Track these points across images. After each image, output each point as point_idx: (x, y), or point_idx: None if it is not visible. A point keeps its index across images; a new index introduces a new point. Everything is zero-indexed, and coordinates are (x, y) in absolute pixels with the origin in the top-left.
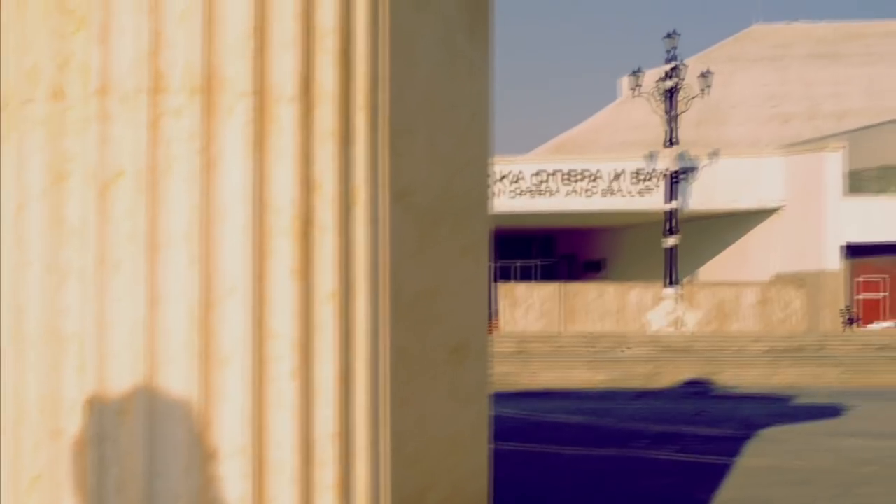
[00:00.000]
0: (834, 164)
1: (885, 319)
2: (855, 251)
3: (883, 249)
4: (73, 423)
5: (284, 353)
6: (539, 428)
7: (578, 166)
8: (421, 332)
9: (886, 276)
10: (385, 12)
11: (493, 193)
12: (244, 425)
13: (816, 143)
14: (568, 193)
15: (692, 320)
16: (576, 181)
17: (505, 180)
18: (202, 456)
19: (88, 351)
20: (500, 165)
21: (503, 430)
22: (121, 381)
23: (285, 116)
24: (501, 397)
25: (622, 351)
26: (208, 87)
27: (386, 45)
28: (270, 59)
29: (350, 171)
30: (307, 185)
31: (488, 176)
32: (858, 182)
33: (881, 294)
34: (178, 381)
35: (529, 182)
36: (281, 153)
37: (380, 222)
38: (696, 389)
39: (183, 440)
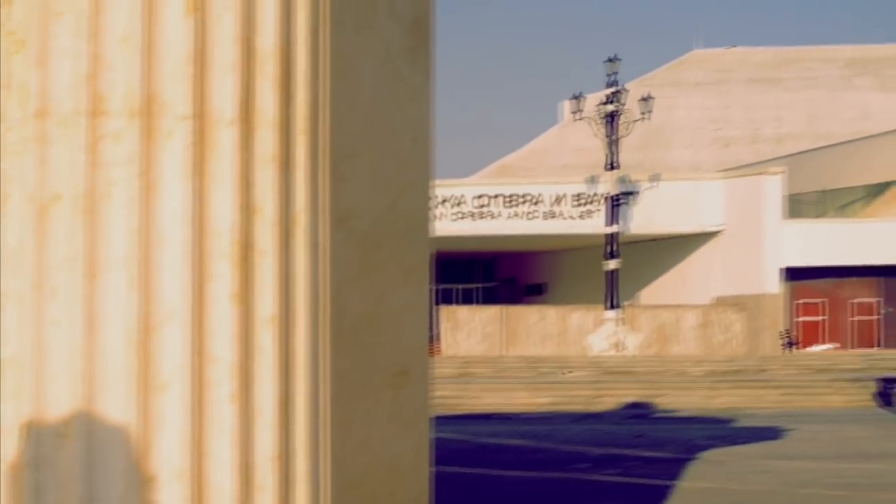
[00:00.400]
0: (774, 188)
1: (824, 342)
2: (794, 274)
3: (822, 273)
4: (10, 447)
5: (224, 378)
6: (481, 451)
7: (520, 190)
8: (362, 355)
9: (825, 299)
10: (326, 37)
11: (435, 217)
12: (183, 450)
13: (757, 167)
14: (510, 216)
15: (633, 343)
16: (517, 204)
17: (447, 204)
18: (141, 481)
19: (26, 375)
20: (442, 189)
21: (445, 453)
22: (59, 405)
23: (225, 140)
24: (443, 420)
25: (564, 374)
26: (148, 111)
27: (327, 70)
28: (210, 83)
29: (290, 195)
30: (247, 210)
31: (430, 199)
32: (798, 206)
33: (820, 317)
34: (116, 406)
35: (471, 205)
36: (221, 177)
37: (320, 246)
38: (638, 412)
39: (121, 465)
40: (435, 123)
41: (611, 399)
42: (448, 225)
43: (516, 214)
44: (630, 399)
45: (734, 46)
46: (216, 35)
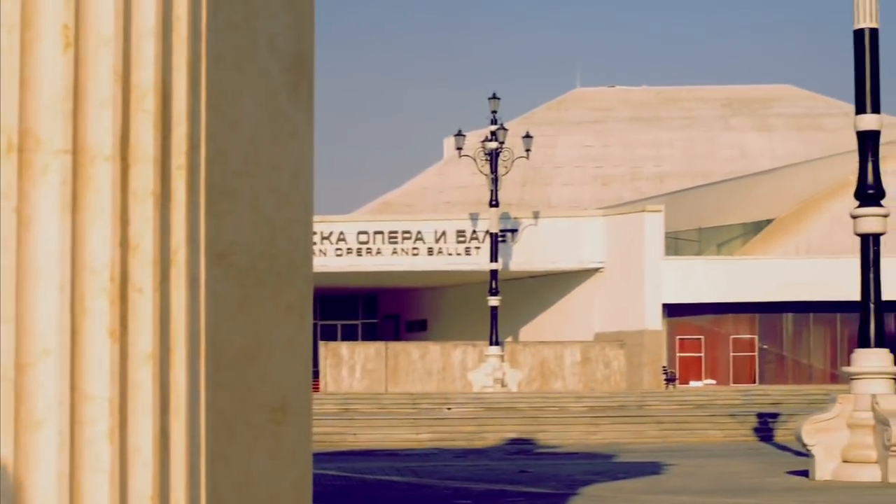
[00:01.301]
0: (653, 226)
1: (703, 378)
2: (674, 311)
3: (701, 309)
4: None
5: (100, 415)
6: (364, 488)
7: (402, 226)
8: (242, 392)
9: (704, 335)
10: (205, 72)
11: (317, 253)
12: (58, 489)
13: (636, 204)
14: (392, 253)
15: (515, 379)
16: (399, 241)
17: (329, 240)
18: None
19: None
20: (324, 225)
21: (327, 490)
22: None
23: (102, 176)
24: (325, 457)
25: (446, 410)
26: (23, 146)
27: (206, 105)
28: (87, 118)
29: (168, 231)
30: (124, 246)
31: (311, 235)
32: (677, 243)
33: (699, 353)
34: None
35: (353, 242)
36: (97, 213)
37: (199, 283)
38: (520, 448)
39: None
40: (316, 160)
41: (493, 435)
42: (330, 261)
43: (399, 251)
44: (512, 435)
45: (614, 86)
46: (92, 70)
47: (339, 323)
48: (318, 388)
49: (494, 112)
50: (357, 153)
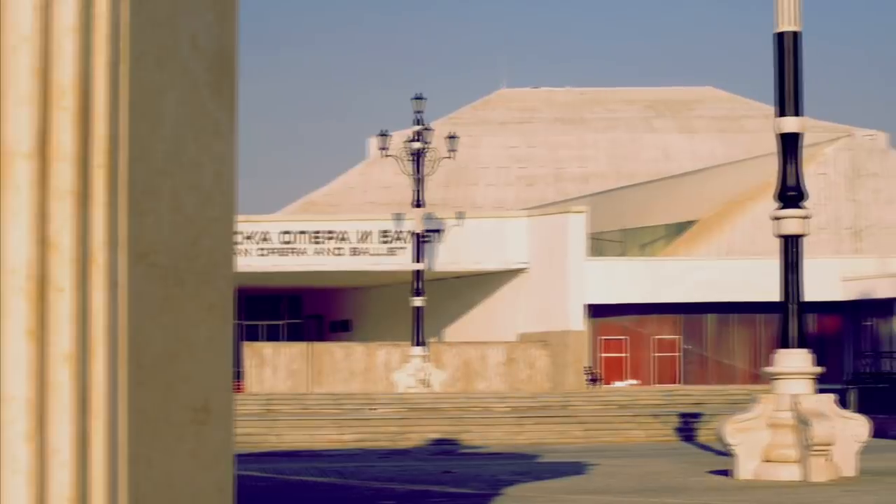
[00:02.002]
0: (577, 227)
1: (626, 378)
2: (598, 311)
3: (624, 310)
4: None
5: (18, 416)
6: (286, 489)
7: (326, 226)
8: (163, 391)
9: (627, 336)
10: (126, 70)
11: (240, 253)
12: None
13: (561, 205)
14: (316, 253)
15: (439, 380)
16: (324, 241)
17: (252, 240)
18: None
19: None
20: (248, 225)
21: (250, 491)
22: None
23: (21, 174)
24: (248, 458)
25: (370, 410)
26: None
27: (127, 103)
28: (6, 115)
29: (88, 230)
30: (43, 245)
31: (234, 235)
32: (601, 244)
33: (623, 353)
34: None
35: (277, 241)
36: (15, 211)
37: (119, 282)
38: (444, 448)
39: None
40: (239, 159)
41: (417, 435)
42: (253, 261)
43: (323, 251)
44: (436, 435)
45: (539, 87)
46: (11, 67)
47: (262, 323)
48: (241, 389)
49: (419, 112)
50: (281, 152)
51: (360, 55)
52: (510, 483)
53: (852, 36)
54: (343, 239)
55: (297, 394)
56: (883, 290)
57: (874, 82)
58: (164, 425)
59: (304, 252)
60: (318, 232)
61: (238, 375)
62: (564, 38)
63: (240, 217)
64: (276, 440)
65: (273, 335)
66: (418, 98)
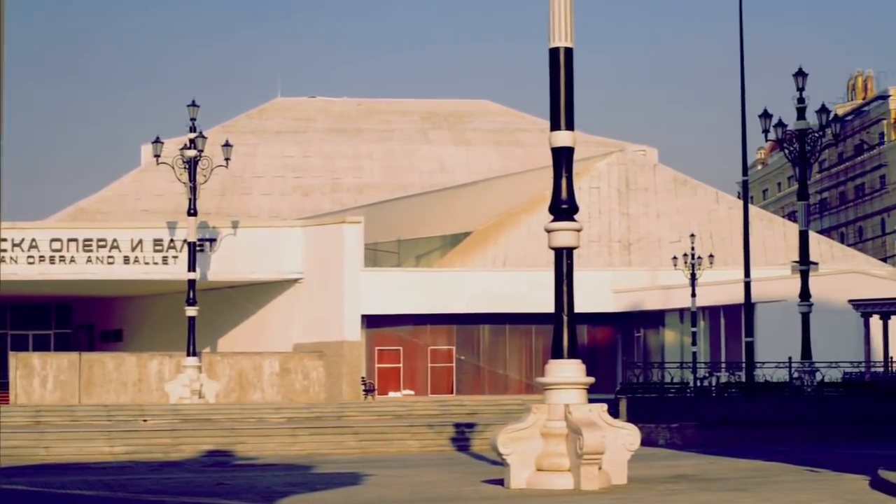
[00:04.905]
0: (353, 237)
1: (401, 388)
2: (373, 322)
3: (399, 320)
4: None
5: None
6: (53, 503)
7: (97, 234)
8: None
9: (402, 346)
10: None
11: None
12: None
13: (336, 215)
14: (87, 261)
15: (212, 390)
16: (94, 249)
17: (20, 247)
18: None
19: None
20: (15, 232)
21: None
22: None
23: None
24: (15, 472)
25: (142, 422)
26: None
27: None
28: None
29: None
30: None
31: None
32: (376, 255)
33: (398, 364)
34: None
35: (46, 249)
36: None
37: None
38: (217, 459)
39: None
40: (5, 164)
41: (190, 447)
42: (21, 269)
43: (93, 259)
44: (209, 447)
45: (315, 96)
46: None
47: (30, 333)
48: (7, 400)
49: (193, 119)
50: (50, 158)
51: (136, 59)
52: (284, 494)
53: (629, 54)
54: (115, 247)
55: (66, 405)
56: (652, 302)
57: (647, 99)
58: None
59: (74, 260)
60: (88, 239)
61: (4, 386)
62: (341, 49)
63: (6, 224)
64: (44, 453)
65: (42, 345)
66: (193, 105)
